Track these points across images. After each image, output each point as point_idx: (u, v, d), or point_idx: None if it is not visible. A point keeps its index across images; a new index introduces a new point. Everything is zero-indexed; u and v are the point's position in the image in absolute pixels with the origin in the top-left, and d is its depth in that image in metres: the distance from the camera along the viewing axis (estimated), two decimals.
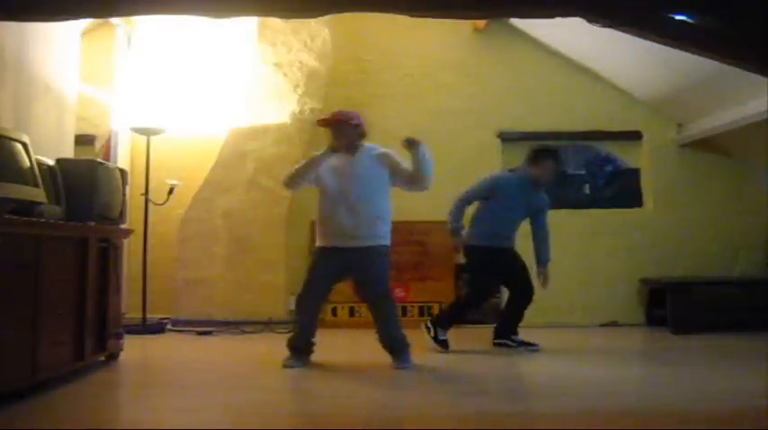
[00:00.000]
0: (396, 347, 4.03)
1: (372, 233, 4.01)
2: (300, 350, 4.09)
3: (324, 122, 4.21)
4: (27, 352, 3.07)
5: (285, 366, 4.00)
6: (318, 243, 4.13)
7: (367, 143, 4.17)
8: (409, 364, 3.98)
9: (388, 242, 4.09)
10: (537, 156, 4.81)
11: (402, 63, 6.54)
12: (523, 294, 4.74)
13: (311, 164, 4.08)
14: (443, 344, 4.58)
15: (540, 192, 4.84)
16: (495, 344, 4.75)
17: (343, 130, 4.08)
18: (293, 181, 4.16)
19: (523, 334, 4.78)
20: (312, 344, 4.14)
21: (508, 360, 4.38)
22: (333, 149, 4.06)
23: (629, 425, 2.80)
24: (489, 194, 4.75)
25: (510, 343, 4.71)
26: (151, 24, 6.13)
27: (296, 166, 4.19)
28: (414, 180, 4.04)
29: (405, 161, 4.10)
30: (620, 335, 5.62)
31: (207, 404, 3.18)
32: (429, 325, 4.68)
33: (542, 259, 4.78)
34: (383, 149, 4.17)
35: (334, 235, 4.02)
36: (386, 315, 4.05)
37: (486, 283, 4.84)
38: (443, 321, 4.70)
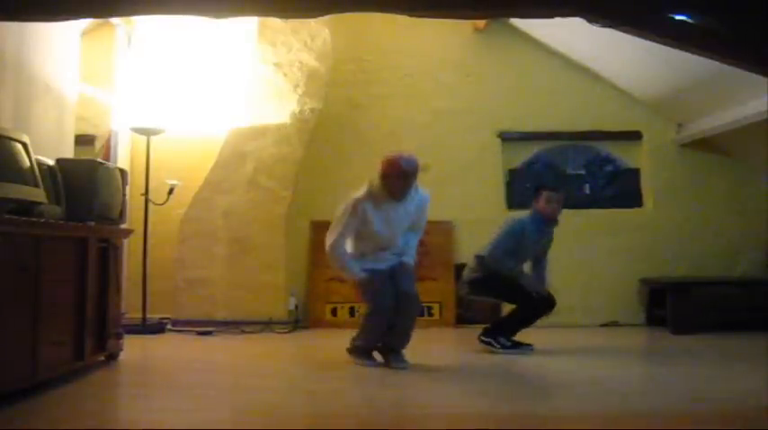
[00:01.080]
0: (399, 347, 4.07)
1: (407, 253, 4.23)
2: (369, 351, 4.15)
3: (407, 173, 4.03)
4: (27, 352, 3.07)
5: (363, 365, 4.07)
6: (365, 266, 4.11)
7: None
8: (407, 364, 4.00)
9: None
10: (535, 192, 4.80)
11: (402, 63, 6.53)
12: (544, 302, 4.65)
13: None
14: (516, 346, 4.58)
15: (551, 230, 4.81)
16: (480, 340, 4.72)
17: (413, 180, 4.09)
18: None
19: (524, 334, 4.76)
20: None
21: (508, 360, 4.37)
22: (394, 198, 4.06)
23: (629, 425, 2.80)
24: (519, 240, 4.66)
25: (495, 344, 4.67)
26: (151, 24, 6.13)
27: (340, 263, 4.14)
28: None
29: (425, 217, 4.27)
30: (620, 335, 5.62)
31: (207, 404, 3.17)
32: (491, 341, 4.62)
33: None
34: (426, 195, 4.22)
35: (380, 264, 4.12)
36: (411, 312, 4.10)
37: (519, 286, 4.67)
38: (504, 331, 4.65)
